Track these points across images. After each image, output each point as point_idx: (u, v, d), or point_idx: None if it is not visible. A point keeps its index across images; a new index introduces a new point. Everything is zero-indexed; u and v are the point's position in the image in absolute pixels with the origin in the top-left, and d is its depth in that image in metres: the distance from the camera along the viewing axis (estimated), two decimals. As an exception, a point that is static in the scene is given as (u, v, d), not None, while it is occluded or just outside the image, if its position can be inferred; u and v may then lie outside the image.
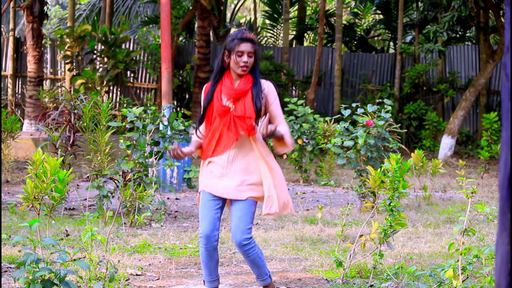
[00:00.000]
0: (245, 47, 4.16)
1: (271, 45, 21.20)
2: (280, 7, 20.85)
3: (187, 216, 8.16)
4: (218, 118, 4.21)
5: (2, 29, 19.68)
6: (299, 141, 11.55)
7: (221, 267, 5.55)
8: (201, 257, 4.27)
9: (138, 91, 19.15)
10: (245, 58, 4.15)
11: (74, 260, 4.16)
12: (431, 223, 7.71)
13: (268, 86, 4.26)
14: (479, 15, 14.52)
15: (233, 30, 25.62)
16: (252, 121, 4.15)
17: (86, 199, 8.48)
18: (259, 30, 22.63)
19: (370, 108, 8.07)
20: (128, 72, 18.50)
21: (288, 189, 4.64)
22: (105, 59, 17.58)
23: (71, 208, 8.43)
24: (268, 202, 4.20)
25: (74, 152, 9.02)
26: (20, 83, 18.99)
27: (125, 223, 7.29)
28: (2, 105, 15.89)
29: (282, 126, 4.20)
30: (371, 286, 4.98)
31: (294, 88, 18.36)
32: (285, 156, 12.12)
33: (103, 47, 17.52)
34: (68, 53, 17.38)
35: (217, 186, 4.22)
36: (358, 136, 8.09)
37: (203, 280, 4.37)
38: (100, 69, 17.56)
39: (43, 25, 17.37)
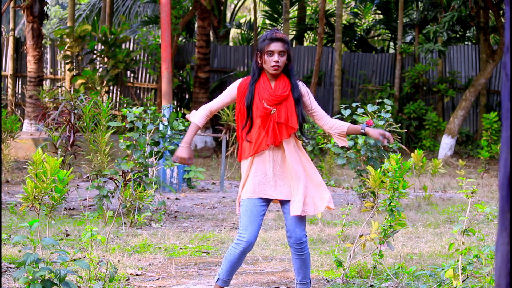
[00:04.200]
0: (275, 46, 4.16)
1: (271, 45, 21.18)
2: (280, 7, 20.85)
3: (187, 216, 8.16)
4: (259, 121, 4.22)
5: (2, 29, 19.68)
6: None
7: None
8: (231, 257, 4.24)
9: (138, 91, 19.15)
10: (275, 57, 4.16)
11: (74, 260, 4.16)
12: (431, 223, 7.71)
13: (304, 88, 4.31)
14: (479, 15, 14.52)
15: (233, 30, 25.67)
16: (294, 131, 4.22)
17: (86, 199, 8.48)
18: (259, 30, 22.63)
19: (370, 108, 8.07)
20: (128, 72, 18.50)
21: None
22: (105, 59, 17.58)
23: (71, 208, 8.43)
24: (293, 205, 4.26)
25: (74, 152, 9.03)
26: (20, 83, 19.00)
27: (125, 223, 7.29)
28: (2, 105, 15.89)
29: (340, 122, 4.33)
30: (371, 286, 4.98)
31: (294, 88, 18.34)
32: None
33: (103, 47, 17.52)
34: (68, 53, 17.38)
35: (269, 189, 4.22)
36: (358, 136, 8.09)
37: (217, 278, 4.33)
38: (100, 69, 17.56)
39: (43, 25, 17.37)
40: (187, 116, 4.37)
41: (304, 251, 4.29)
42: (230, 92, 4.30)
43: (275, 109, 4.20)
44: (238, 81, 4.32)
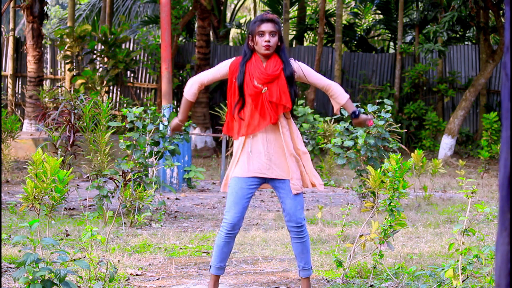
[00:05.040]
0: (266, 26, 4.21)
1: (271, 45, 21.18)
2: (280, 7, 20.85)
3: (187, 216, 8.16)
4: (250, 99, 4.23)
5: (2, 29, 19.68)
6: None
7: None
8: (218, 241, 4.27)
9: (138, 91, 19.15)
10: (266, 37, 4.19)
11: (74, 260, 4.16)
12: (431, 223, 7.71)
13: (296, 64, 4.31)
14: (479, 15, 14.52)
15: (233, 30, 25.66)
16: (288, 110, 4.24)
17: (86, 199, 8.48)
18: (259, 30, 22.62)
19: (370, 108, 8.07)
20: (128, 72, 18.50)
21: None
22: (105, 59, 17.58)
23: (71, 208, 8.43)
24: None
25: (74, 152, 9.02)
26: (20, 83, 18.99)
27: (125, 223, 7.29)
28: (2, 105, 15.89)
29: (339, 92, 4.43)
30: (371, 286, 4.98)
31: (294, 88, 18.35)
32: None
33: (103, 47, 17.52)
34: (68, 53, 17.38)
35: (264, 168, 4.21)
36: (358, 136, 8.09)
37: (210, 266, 4.36)
38: (100, 69, 17.56)
39: (43, 25, 17.36)
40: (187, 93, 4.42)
41: (303, 233, 4.29)
42: (222, 68, 4.32)
43: (266, 88, 4.21)
44: (231, 60, 4.33)
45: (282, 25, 18.70)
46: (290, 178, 4.24)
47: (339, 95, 4.40)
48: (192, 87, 4.35)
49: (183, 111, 4.41)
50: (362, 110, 4.34)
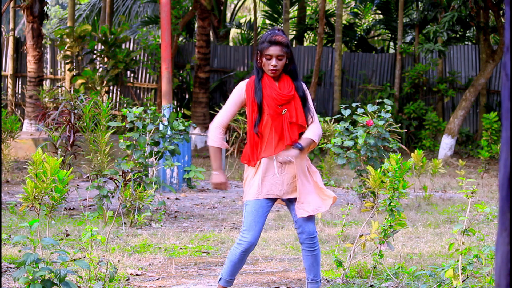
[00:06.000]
0: (274, 50, 4.14)
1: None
2: (280, 7, 20.85)
3: (187, 216, 8.16)
4: (270, 120, 4.19)
5: (2, 29, 19.68)
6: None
7: (221, 266, 5.55)
8: (233, 257, 4.24)
9: (138, 91, 19.15)
10: (273, 62, 4.14)
11: (74, 260, 4.16)
12: (431, 223, 7.71)
13: (305, 87, 4.31)
14: (479, 15, 14.52)
15: (233, 30, 25.66)
16: (303, 128, 4.23)
17: (86, 199, 8.48)
18: (259, 30, 22.63)
19: (370, 108, 8.07)
20: (128, 72, 18.49)
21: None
22: (105, 59, 17.58)
23: (71, 208, 8.43)
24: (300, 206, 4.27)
25: (74, 152, 9.02)
26: (20, 83, 18.99)
27: (125, 223, 7.29)
28: (2, 105, 15.89)
29: (310, 130, 4.25)
30: (371, 286, 4.98)
31: (294, 88, 18.34)
32: None
33: (103, 47, 17.52)
34: (68, 53, 17.38)
35: (277, 189, 4.21)
36: (358, 136, 8.09)
37: (220, 278, 4.34)
38: (100, 69, 17.55)
39: (43, 25, 17.36)
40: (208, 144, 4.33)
41: (316, 246, 4.32)
42: (237, 98, 4.24)
43: (285, 109, 4.19)
44: (243, 85, 4.26)
45: (283, 25, 18.66)
46: (299, 202, 4.23)
47: (310, 131, 4.24)
48: (215, 133, 4.20)
49: (215, 159, 4.23)
50: (299, 146, 4.23)
